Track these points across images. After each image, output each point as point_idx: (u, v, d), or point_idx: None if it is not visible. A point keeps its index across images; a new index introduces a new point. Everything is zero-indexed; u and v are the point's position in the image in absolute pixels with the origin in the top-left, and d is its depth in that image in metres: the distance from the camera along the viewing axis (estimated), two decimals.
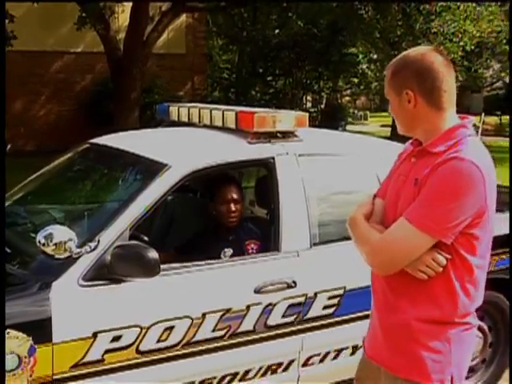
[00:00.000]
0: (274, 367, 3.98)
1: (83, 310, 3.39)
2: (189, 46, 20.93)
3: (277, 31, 25.70)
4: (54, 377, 3.28)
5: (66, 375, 3.31)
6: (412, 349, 2.58)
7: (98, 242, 3.44)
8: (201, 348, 3.70)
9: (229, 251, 4.24)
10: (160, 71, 18.91)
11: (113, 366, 3.45)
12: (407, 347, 2.59)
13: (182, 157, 3.98)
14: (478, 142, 2.62)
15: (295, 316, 3.95)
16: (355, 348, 4.15)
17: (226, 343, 3.77)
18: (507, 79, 36.84)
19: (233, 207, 4.34)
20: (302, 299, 3.96)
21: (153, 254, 3.39)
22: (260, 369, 3.94)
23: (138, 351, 3.51)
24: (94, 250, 3.42)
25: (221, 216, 4.39)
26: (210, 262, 3.88)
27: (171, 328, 3.58)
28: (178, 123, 4.91)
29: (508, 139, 24.10)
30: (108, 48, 15.46)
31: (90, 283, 3.41)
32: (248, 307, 3.79)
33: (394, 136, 16.58)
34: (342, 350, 4.17)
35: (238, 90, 25.39)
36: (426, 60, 2.56)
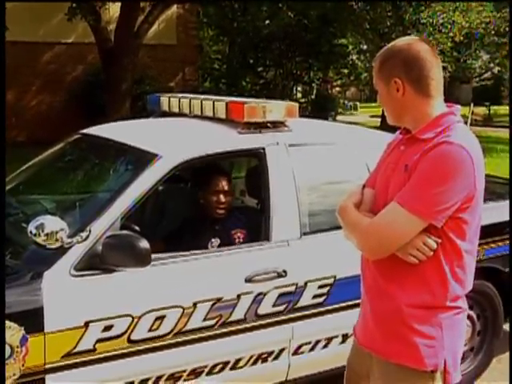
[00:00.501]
0: (265, 356, 4.00)
1: (75, 300, 3.40)
2: (180, 36, 20.87)
3: (267, 22, 25.68)
4: (46, 366, 3.29)
5: (57, 364, 3.32)
6: (404, 334, 2.59)
7: (90, 231, 3.45)
8: (192, 337, 3.71)
9: (216, 241, 4.27)
10: (151, 62, 18.85)
11: (105, 355, 3.46)
12: (399, 333, 2.60)
13: (173, 147, 3.99)
14: (467, 128, 2.65)
15: (285, 305, 3.97)
16: (345, 336, 4.17)
17: (217, 332, 3.78)
18: (496, 70, 36.94)
19: (222, 198, 4.38)
20: (292, 288, 3.98)
21: (144, 244, 3.40)
22: (251, 357, 3.96)
23: (129, 340, 3.52)
24: (85, 239, 3.42)
25: (209, 206, 4.42)
26: (201, 251, 3.90)
27: (162, 317, 3.59)
28: (169, 114, 4.92)
29: (496, 129, 24.22)
30: (99, 39, 15.42)
31: (81, 273, 3.42)
32: (239, 296, 3.81)
33: (384, 126, 16.62)
34: (332, 338, 4.19)
35: (228, 80, 25.38)
36: (412, 49, 2.60)
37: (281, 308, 3.97)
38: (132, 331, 3.51)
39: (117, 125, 5.01)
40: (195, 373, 3.80)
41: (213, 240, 4.30)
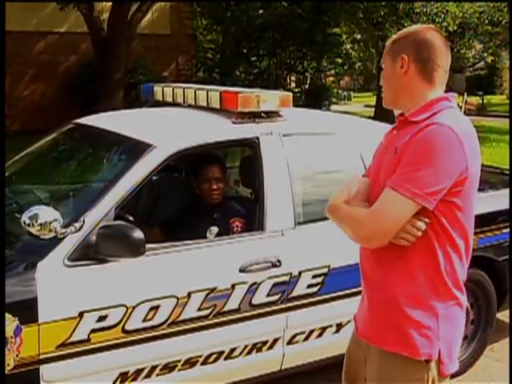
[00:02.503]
0: (259, 345, 4.02)
1: (69, 290, 3.40)
2: (173, 26, 20.79)
3: (261, 11, 25.57)
4: (41, 356, 3.30)
5: (52, 355, 3.33)
6: (399, 324, 2.59)
7: (83, 222, 3.45)
8: (186, 327, 3.72)
9: (214, 229, 4.27)
10: (144, 51, 18.79)
11: (99, 345, 3.47)
12: (395, 322, 2.61)
13: (167, 137, 3.99)
14: (460, 113, 2.64)
15: (280, 295, 3.98)
16: (339, 326, 4.19)
17: (211, 322, 3.79)
18: (489, 59, 36.97)
19: (214, 185, 4.42)
20: (286, 278, 3.99)
21: (138, 234, 3.40)
22: (245, 347, 3.97)
23: (124, 330, 3.53)
24: (79, 230, 3.42)
25: (203, 194, 4.46)
26: (195, 241, 3.90)
27: (157, 307, 3.60)
28: (163, 103, 4.91)
29: (490, 119, 24.26)
30: (92, 28, 15.35)
31: (75, 263, 3.42)
32: (233, 286, 3.82)
33: (378, 116, 16.62)
34: (326, 328, 4.20)
35: (222, 70, 25.30)
36: (427, 33, 2.64)
37: (275, 298, 3.98)
38: (126, 321, 3.52)
39: (110, 114, 5.00)
40: (190, 362, 3.80)
41: (211, 228, 4.30)
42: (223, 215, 4.40)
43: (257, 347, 4.02)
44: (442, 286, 2.57)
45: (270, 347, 4.07)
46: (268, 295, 3.96)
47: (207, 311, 3.77)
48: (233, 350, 3.94)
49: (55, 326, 3.32)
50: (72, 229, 3.40)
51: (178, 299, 3.66)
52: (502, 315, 5.47)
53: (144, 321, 3.58)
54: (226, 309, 3.83)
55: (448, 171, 2.44)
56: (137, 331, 3.57)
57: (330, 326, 4.20)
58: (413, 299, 2.58)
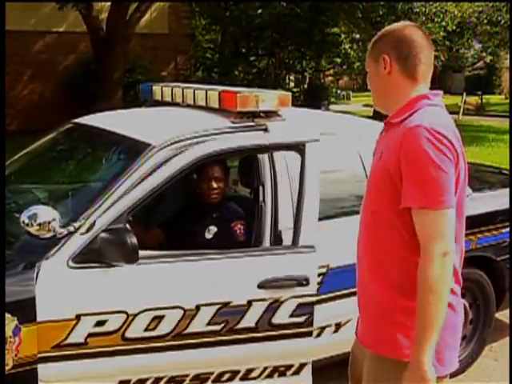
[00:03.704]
0: (282, 369, 3.90)
1: (69, 292, 3.37)
2: (172, 25, 20.79)
3: (259, 11, 25.59)
4: (39, 355, 3.28)
5: (47, 355, 3.30)
6: (384, 326, 2.59)
7: (94, 223, 3.43)
8: (195, 341, 3.61)
9: (213, 229, 4.26)
10: (143, 51, 18.80)
11: (98, 350, 3.42)
12: (380, 324, 2.61)
13: (166, 136, 3.98)
14: (438, 110, 2.58)
15: (306, 317, 3.86)
16: (338, 325, 4.17)
17: (223, 338, 3.66)
18: (488, 59, 36.99)
19: (214, 184, 4.37)
20: (313, 299, 3.90)
21: (133, 240, 3.35)
22: (265, 369, 3.85)
23: (123, 338, 3.46)
24: (77, 229, 3.41)
25: (202, 193, 4.43)
26: (208, 251, 3.80)
27: (161, 317, 3.51)
28: (162, 103, 4.91)
29: (488, 118, 24.28)
30: (90, 28, 15.35)
31: (79, 265, 3.39)
32: (250, 302, 3.68)
33: (377, 116, 16.62)
34: (324, 327, 4.17)
35: (220, 70, 25.31)
36: (405, 30, 2.62)
37: (300, 319, 3.81)
38: (127, 329, 3.45)
39: (109, 114, 4.98)
40: (200, 378, 3.71)
41: (210, 228, 4.28)
42: (222, 215, 4.38)
43: (279, 371, 3.89)
44: None
45: (296, 372, 3.94)
46: (292, 316, 3.79)
47: (218, 327, 3.63)
48: (250, 370, 3.81)
49: (51, 327, 3.29)
50: (71, 228, 3.39)
51: (184, 311, 3.54)
52: (501, 315, 5.47)
53: (146, 330, 3.49)
54: (240, 326, 3.69)
55: (444, 167, 2.40)
56: (138, 340, 3.49)
57: (329, 325, 4.14)
58: (396, 301, 2.56)
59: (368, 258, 2.65)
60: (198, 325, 3.59)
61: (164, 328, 3.52)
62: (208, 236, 4.23)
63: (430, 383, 2.40)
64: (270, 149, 4.04)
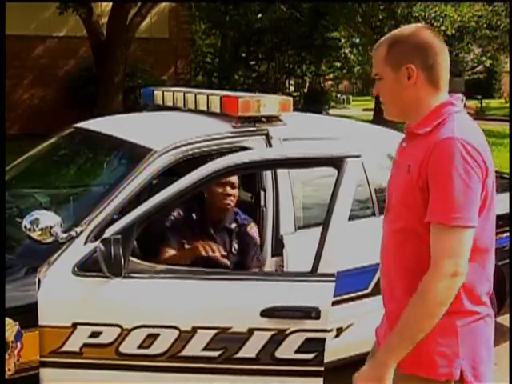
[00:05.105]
0: None
1: (70, 299, 3.33)
2: (172, 30, 20.83)
3: (259, 16, 25.62)
4: (41, 359, 3.27)
5: (46, 360, 3.27)
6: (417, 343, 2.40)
7: (85, 228, 3.42)
8: (190, 365, 3.40)
9: (234, 244, 4.09)
10: (143, 55, 18.83)
11: (92, 361, 3.34)
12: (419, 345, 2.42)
13: (167, 141, 3.98)
14: (466, 118, 2.50)
15: (315, 354, 3.50)
16: (340, 330, 4.16)
17: (221, 367, 3.40)
18: (488, 63, 37.03)
19: (230, 190, 4.12)
20: (323, 335, 3.55)
21: (117, 252, 3.20)
22: None
23: (117, 352, 3.34)
24: (79, 235, 3.39)
25: (215, 198, 4.14)
26: (212, 270, 3.62)
27: (155, 336, 3.34)
28: (163, 107, 4.92)
29: (488, 122, 24.29)
30: (91, 32, 15.39)
31: (83, 273, 3.34)
32: (250, 331, 3.38)
33: (377, 120, 16.63)
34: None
35: (220, 74, 25.35)
36: (425, 34, 2.48)
37: (308, 356, 3.42)
38: (121, 343, 3.32)
39: (110, 118, 4.99)
40: None
41: (233, 247, 4.10)
42: (239, 226, 4.19)
43: None
44: (461, 299, 2.43)
45: None
46: (298, 351, 3.40)
47: (215, 353, 3.37)
48: None
49: (49, 332, 3.26)
50: (73, 233, 3.38)
51: (180, 332, 3.33)
52: (501, 319, 5.47)
53: (140, 347, 3.34)
54: (239, 355, 3.38)
55: (475, 184, 2.34)
56: (132, 356, 3.36)
57: (331, 330, 4.02)
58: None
59: (399, 272, 2.53)
60: (194, 348, 3.36)
61: (158, 347, 3.35)
62: (232, 257, 4.09)
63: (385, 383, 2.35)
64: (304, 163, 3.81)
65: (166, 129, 4.37)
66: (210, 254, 3.78)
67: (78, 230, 3.41)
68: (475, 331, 2.49)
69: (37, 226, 3.26)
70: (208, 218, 4.22)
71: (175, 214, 4.20)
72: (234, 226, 4.18)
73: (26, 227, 3.27)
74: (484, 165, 2.37)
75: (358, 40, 28.30)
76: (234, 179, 4.14)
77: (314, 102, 26.86)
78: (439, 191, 2.32)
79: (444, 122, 2.41)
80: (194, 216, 4.24)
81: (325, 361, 3.66)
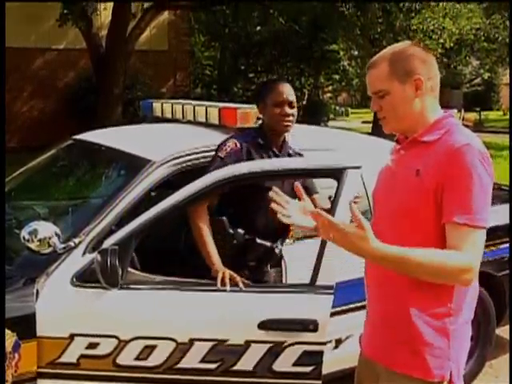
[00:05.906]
0: None
1: (68, 310, 3.32)
2: (171, 42, 20.90)
3: (258, 28, 25.72)
4: (38, 370, 3.24)
5: (43, 370, 3.25)
6: (410, 342, 2.50)
7: (83, 238, 3.42)
8: (188, 377, 3.37)
9: (268, 268, 3.96)
10: (142, 68, 18.86)
11: (89, 373, 3.32)
12: (405, 340, 2.52)
13: (166, 152, 3.98)
14: (468, 131, 2.60)
15: (313, 367, 3.48)
16: (338, 342, 4.14)
17: (219, 379, 3.37)
18: (486, 76, 37.14)
19: (288, 110, 3.86)
20: (321, 347, 3.55)
21: (113, 262, 3.19)
22: None
23: (115, 364, 3.31)
24: (77, 246, 3.39)
25: (272, 121, 3.87)
26: (203, 281, 3.51)
27: (152, 347, 3.32)
28: (162, 119, 4.92)
29: (487, 135, 24.32)
30: (90, 45, 15.44)
31: (82, 284, 3.33)
32: (247, 343, 3.34)
33: (376, 132, 16.64)
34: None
35: (220, 86, 25.39)
36: (420, 49, 2.61)
37: (306, 369, 3.39)
38: (118, 355, 3.30)
39: (109, 130, 5.00)
40: None
41: (271, 271, 3.95)
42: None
43: None
44: (456, 303, 2.51)
45: None
46: (296, 364, 3.37)
47: (212, 365, 3.35)
48: None
49: (47, 343, 3.24)
50: (71, 244, 3.38)
51: (177, 343, 3.31)
52: (501, 331, 5.46)
53: (137, 359, 3.31)
54: (237, 368, 3.35)
55: (489, 187, 2.46)
56: (130, 368, 3.33)
57: (329, 341, 3.98)
58: (424, 314, 2.50)
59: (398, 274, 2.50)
60: (191, 360, 3.34)
61: (155, 359, 3.33)
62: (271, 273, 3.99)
63: (368, 241, 2.30)
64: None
65: (165, 140, 4.36)
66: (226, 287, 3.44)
67: (77, 240, 3.41)
68: (463, 335, 2.58)
69: (35, 236, 3.25)
70: (270, 142, 3.94)
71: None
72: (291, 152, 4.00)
73: (24, 238, 3.27)
74: (492, 171, 2.50)
75: (356, 52, 28.33)
76: (292, 97, 3.91)
77: (312, 114, 26.89)
78: (461, 194, 2.40)
79: (451, 132, 2.51)
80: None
81: (323, 372, 3.63)
